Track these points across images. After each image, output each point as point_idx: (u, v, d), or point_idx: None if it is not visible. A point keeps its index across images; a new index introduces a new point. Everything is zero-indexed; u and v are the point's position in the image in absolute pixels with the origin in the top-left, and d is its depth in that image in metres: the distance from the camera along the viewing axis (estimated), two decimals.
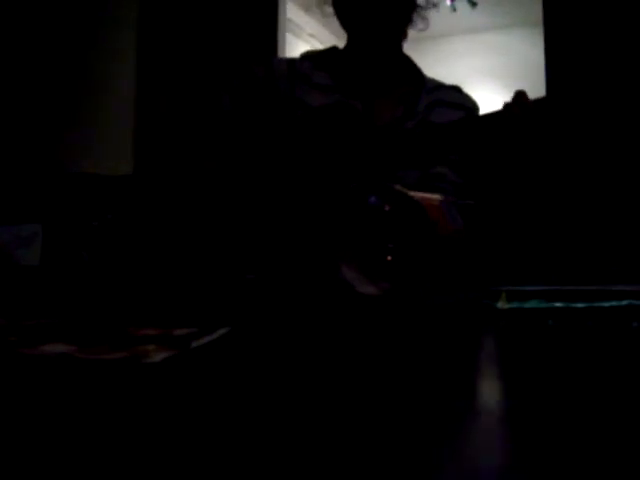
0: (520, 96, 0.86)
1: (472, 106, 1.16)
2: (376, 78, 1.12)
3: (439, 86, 1.17)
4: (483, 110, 1.03)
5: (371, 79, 1.12)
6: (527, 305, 0.53)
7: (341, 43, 1.18)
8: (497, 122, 0.87)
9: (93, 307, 0.65)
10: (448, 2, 4.07)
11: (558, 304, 0.52)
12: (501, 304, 0.53)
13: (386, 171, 0.99)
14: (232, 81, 1.14)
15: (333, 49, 1.18)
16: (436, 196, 0.64)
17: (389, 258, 0.56)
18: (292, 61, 1.17)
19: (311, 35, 4.23)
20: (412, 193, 0.59)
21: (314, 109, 1.05)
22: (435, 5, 1.13)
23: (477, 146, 1.09)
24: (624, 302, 0.50)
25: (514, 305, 0.53)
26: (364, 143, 1.01)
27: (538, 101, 0.85)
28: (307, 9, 3.85)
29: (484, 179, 0.97)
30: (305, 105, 1.06)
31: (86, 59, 2.54)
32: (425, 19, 1.14)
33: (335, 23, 1.13)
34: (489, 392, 0.33)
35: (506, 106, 0.87)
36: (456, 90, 1.18)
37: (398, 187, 0.59)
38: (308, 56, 1.17)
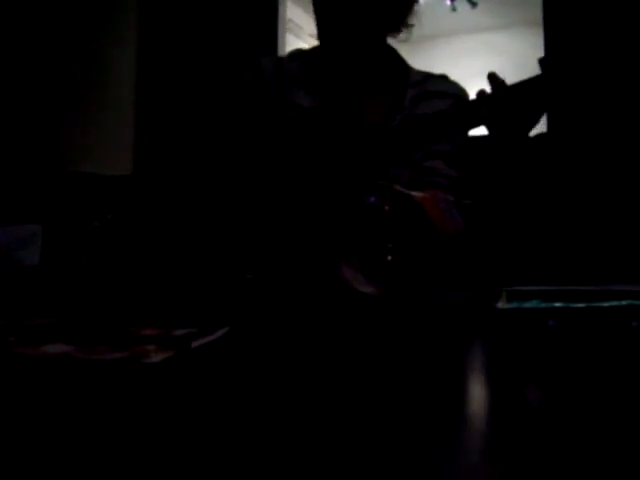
0: (492, 79, 0.86)
1: (459, 93, 1.14)
2: (362, 76, 1.11)
3: (425, 77, 1.15)
4: None
5: (358, 78, 1.11)
6: (527, 305, 0.53)
7: None
8: (476, 107, 0.87)
9: (93, 307, 0.65)
10: (448, 2, 4.06)
11: (558, 304, 0.52)
12: (501, 304, 0.53)
13: (378, 170, 0.99)
14: (221, 86, 1.13)
15: (321, 47, 1.16)
16: (436, 195, 0.64)
17: (389, 258, 0.56)
18: (279, 60, 1.16)
19: (311, 35, 4.22)
20: (412, 193, 0.59)
21: (302, 110, 1.04)
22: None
23: (464, 137, 1.08)
24: (624, 302, 0.50)
25: (514, 305, 0.53)
26: (354, 144, 1.01)
27: (516, 85, 0.86)
28: (306, 9, 3.85)
29: (480, 174, 0.97)
30: (295, 105, 1.06)
31: (86, 58, 2.54)
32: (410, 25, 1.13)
33: None
34: (488, 392, 0.33)
35: (480, 92, 0.88)
36: (443, 79, 1.16)
37: (398, 187, 0.59)
38: (296, 55, 1.16)
